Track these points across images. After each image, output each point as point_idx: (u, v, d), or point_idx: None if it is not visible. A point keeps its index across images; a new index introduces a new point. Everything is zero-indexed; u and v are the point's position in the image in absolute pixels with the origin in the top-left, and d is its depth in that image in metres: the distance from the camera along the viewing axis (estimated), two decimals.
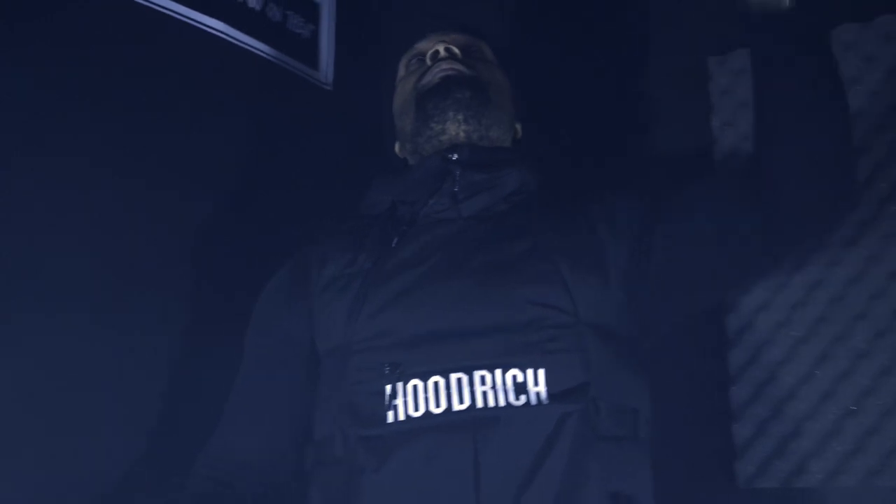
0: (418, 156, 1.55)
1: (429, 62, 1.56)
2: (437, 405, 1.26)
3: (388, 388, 1.29)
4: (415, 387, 1.28)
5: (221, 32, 1.81)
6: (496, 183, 1.47)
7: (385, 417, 1.28)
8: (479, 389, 1.26)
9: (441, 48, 1.55)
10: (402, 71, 1.65)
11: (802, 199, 1.30)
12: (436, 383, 1.27)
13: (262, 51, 1.89)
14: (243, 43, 1.86)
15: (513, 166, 1.49)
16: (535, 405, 1.25)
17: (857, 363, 1.68)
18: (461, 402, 1.25)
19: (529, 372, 1.27)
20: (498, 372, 1.27)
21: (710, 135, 1.90)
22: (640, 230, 1.42)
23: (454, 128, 1.49)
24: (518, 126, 1.63)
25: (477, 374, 1.27)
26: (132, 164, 1.61)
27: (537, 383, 1.26)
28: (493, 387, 1.26)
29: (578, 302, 1.32)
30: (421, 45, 1.63)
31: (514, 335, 1.30)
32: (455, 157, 1.47)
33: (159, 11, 1.71)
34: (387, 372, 1.30)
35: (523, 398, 1.25)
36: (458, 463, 1.23)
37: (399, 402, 1.27)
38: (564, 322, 1.31)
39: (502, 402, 1.25)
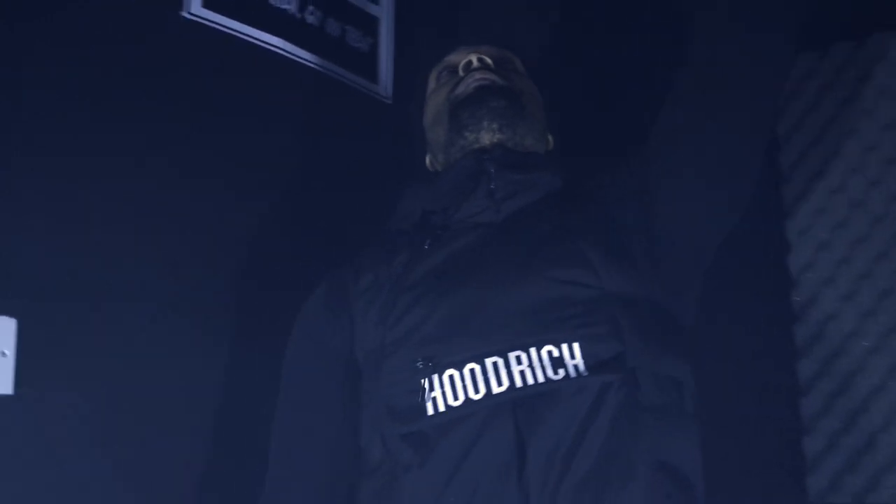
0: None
1: (461, 73, 1.55)
2: (476, 391, 1.25)
3: (425, 382, 1.28)
4: (451, 377, 1.27)
5: (281, 49, 1.83)
6: (531, 185, 1.46)
7: (424, 411, 1.27)
8: (516, 370, 1.25)
9: (474, 58, 1.55)
10: (432, 84, 1.65)
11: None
12: (472, 370, 1.26)
13: (321, 66, 1.90)
14: (303, 59, 1.87)
15: (545, 170, 1.49)
16: (575, 377, 1.24)
17: None
18: (500, 384, 1.25)
19: (564, 347, 1.26)
20: (532, 350, 1.26)
21: (775, 140, 1.87)
22: (639, 185, 1.44)
23: (488, 136, 1.49)
24: (550, 137, 1.62)
25: (512, 356, 1.26)
26: (196, 174, 1.65)
27: (573, 356, 1.26)
28: (531, 365, 1.25)
29: (603, 276, 1.32)
30: (452, 58, 1.63)
31: (544, 314, 1.30)
32: (488, 156, 1.47)
33: (221, 31, 1.73)
34: (420, 367, 1.29)
35: (562, 372, 1.25)
36: (500, 443, 1.22)
37: (437, 394, 1.27)
38: (592, 296, 1.31)
39: (541, 378, 1.24)
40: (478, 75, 1.52)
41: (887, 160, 1.74)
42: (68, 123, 1.48)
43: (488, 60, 1.56)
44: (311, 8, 1.92)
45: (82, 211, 1.47)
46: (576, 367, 1.25)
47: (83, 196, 1.47)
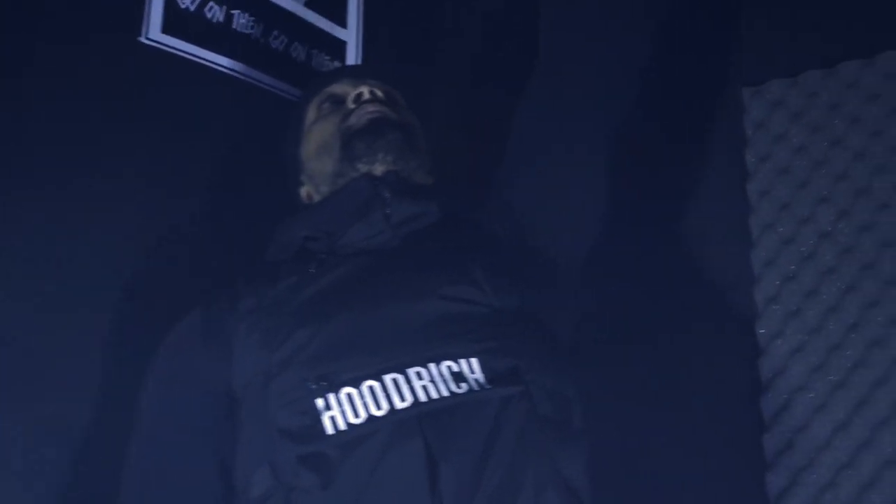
0: None
1: (351, 104, 1.54)
2: (379, 407, 1.22)
3: (320, 402, 1.24)
4: (349, 395, 1.23)
5: (242, 74, 1.81)
6: (422, 214, 1.47)
7: (323, 431, 1.22)
8: (418, 385, 1.23)
9: (365, 91, 1.55)
10: (312, 114, 1.62)
11: None
12: (370, 387, 1.23)
13: (285, 91, 1.89)
14: (266, 84, 1.85)
15: (434, 201, 1.49)
16: (478, 390, 1.23)
17: None
18: (403, 399, 1.22)
19: (463, 362, 1.26)
20: (432, 366, 1.25)
21: (743, 169, 1.83)
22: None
23: (381, 168, 1.49)
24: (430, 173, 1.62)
25: (412, 372, 1.24)
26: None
27: (473, 371, 1.25)
28: (433, 380, 1.24)
29: (489, 293, 1.34)
30: (335, 88, 1.62)
31: (439, 330, 1.29)
32: (381, 182, 1.46)
33: (181, 56, 1.72)
34: (314, 387, 1.25)
35: (464, 385, 1.23)
36: (410, 459, 1.19)
37: (335, 413, 1.22)
38: (483, 313, 1.32)
39: (445, 392, 1.22)
40: (370, 108, 1.52)
41: (856, 191, 1.70)
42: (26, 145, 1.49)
43: (379, 93, 1.56)
44: (275, 32, 1.90)
45: None
46: (476, 380, 1.25)
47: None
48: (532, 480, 1.21)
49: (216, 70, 1.78)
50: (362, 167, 1.49)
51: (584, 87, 1.88)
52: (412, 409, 1.22)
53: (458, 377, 1.25)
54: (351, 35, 2.07)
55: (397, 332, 1.30)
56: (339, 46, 2.03)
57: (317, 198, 1.59)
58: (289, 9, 1.93)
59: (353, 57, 2.06)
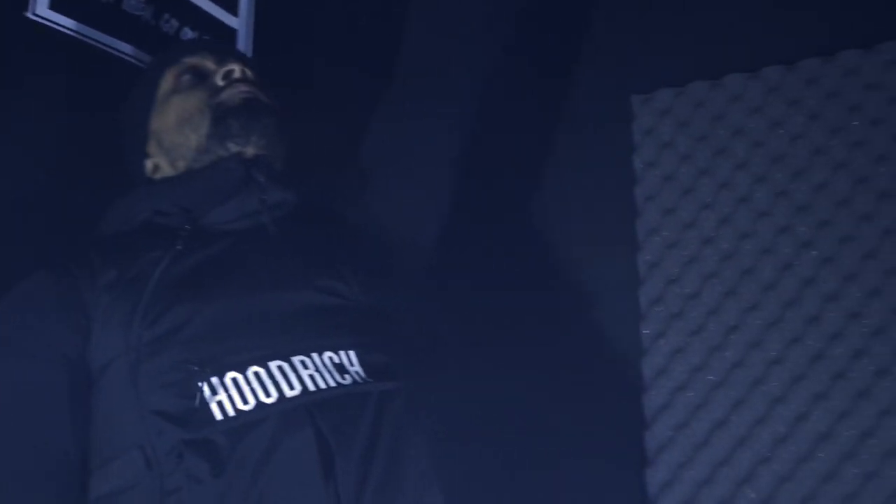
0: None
1: (220, 81, 1.50)
2: (268, 395, 1.20)
3: (204, 385, 1.20)
4: (234, 380, 1.20)
5: (132, 57, 1.76)
6: (290, 200, 1.47)
7: (211, 416, 1.18)
8: (304, 374, 1.23)
9: (237, 69, 1.51)
10: (169, 84, 1.54)
11: None
12: (256, 373, 1.21)
13: None
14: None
15: (296, 189, 1.49)
16: (362, 383, 1.25)
17: (772, 408, 1.67)
18: (292, 388, 1.21)
19: (343, 354, 1.27)
20: (315, 356, 1.25)
21: (631, 175, 1.88)
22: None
23: (252, 151, 1.46)
24: None
25: (296, 360, 1.24)
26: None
27: (352, 363, 1.27)
28: (318, 370, 1.24)
29: (354, 289, 1.37)
30: (195, 61, 1.55)
31: (318, 321, 1.30)
32: (254, 166, 1.44)
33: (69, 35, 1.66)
34: (196, 369, 1.20)
35: (348, 377, 1.25)
36: (304, 448, 1.18)
37: (222, 397, 1.19)
38: (354, 307, 1.35)
39: (332, 383, 1.23)
40: (243, 87, 1.48)
41: (738, 199, 1.77)
42: None
43: (250, 74, 1.53)
44: (166, 16, 1.85)
45: None
46: (357, 373, 1.26)
47: None
48: (412, 475, 1.24)
49: (103, 51, 1.73)
50: (233, 147, 1.45)
51: (453, 89, 1.90)
52: (302, 398, 1.21)
53: (341, 368, 1.25)
54: (242, 23, 2.03)
55: (277, 319, 1.29)
56: (229, 34, 1.99)
57: (169, 171, 1.52)
58: None
59: (242, 46, 2.02)
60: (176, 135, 1.51)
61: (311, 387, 1.22)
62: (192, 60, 1.55)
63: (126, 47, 1.75)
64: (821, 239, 1.69)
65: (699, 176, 1.82)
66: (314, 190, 1.56)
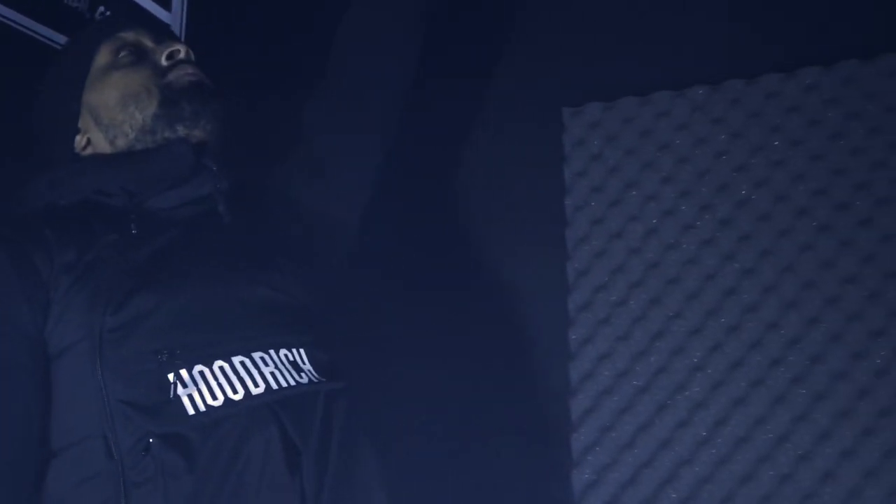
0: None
1: (164, 61, 1.49)
2: (235, 391, 1.21)
3: (171, 376, 1.20)
4: (202, 373, 1.21)
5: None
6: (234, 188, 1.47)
7: (185, 411, 1.18)
8: (266, 371, 1.25)
9: (182, 49, 1.51)
10: (105, 58, 1.52)
11: None
12: (221, 367, 1.23)
13: None
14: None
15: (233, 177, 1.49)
16: (316, 382, 1.28)
17: (694, 412, 1.73)
18: (256, 385, 1.23)
19: (295, 351, 1.30)
20: (272, 352, 1.27)
21: (561, 185, 1.93)
22: None
23: (200, 135, 1.46)
24: None
25: (256, 356, 1.26)
26: None
27: (304, 362, 1.30)
28: (277, 367, 1.26)
29: (295, 287, 1.39)
30: (132, 37, 1.54)
31: (270, 317, 1.32)
32: (205, 151, 1.45)
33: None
34: (163, 359, 1.21)
35: (304, 376, 1.27)
36: (271, 445, 1.19)
37: (192, 391, 1.19)
38: (297, 305, 1.37)
39: (292, 382, 1.26)
40: (189, 69, 1.49)
41: (664, 211, 1.84)
42: None
43: (193, 56, 1.53)
44: (101, 9, 1.83)
45: None
46: (310, 371, 1.29)
47: None
48: (361, 473, 1.28)
49: (38, 40, 1.70)
50: (181, 130, 1.45)
51: (381, 94, 1.91)
52: (265, 396, 1.22)
53: (296, 366, 1.28)
54: (175, 19, 2.02)
55: (235, 312, 1.30)
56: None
57: (105, 148, 1.50)
58: None
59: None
60: (118, 112, 1.48)
61: (274, 385, 1.24)
62: (128, 36, 1.54)
63: (61, 38, 1.72)
64: (742, 251, 1.77)
65: (627, 188, 1.88)
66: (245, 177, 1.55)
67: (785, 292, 1.72)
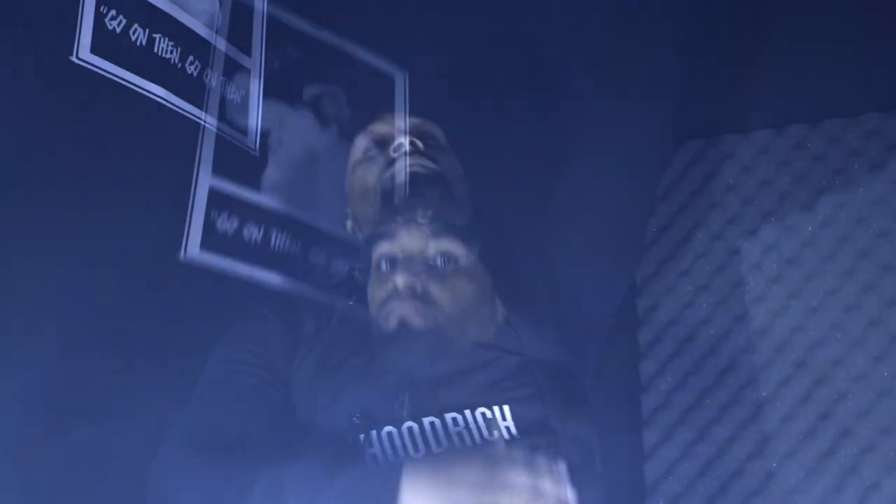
0: None
1: (392, 154, 1.57)
2: (417, 451, 1.29)
3: (361, 437, 1.30)
4: (389, 433, 1.30)
5: (163, 98, 1.80)
6: None
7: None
8: (453, 431, 1.31)
9: (406, 141, 1.56)
10: (358, 154, 1.64)
11: None
12: (409, 429, 1.31)
13: (198, 116, 1.88)
14: (182, 109, 1.84)
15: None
16: (509, 439, 1.32)
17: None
18: (439, 445, 1.30)
19: (496, 409, 1.34)
20: (468, 413, 1.33)
21: None
22: None
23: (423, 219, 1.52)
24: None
25: (448, 417, 1.32)
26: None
27: (505, 419, 1.34)
28: (467, 427, 1.31)
29: (524, 340, 1.43)
30: (379, 128, 1.63)
31: (473, 377, 1.37)
32: None
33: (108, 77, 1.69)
34: (356, 422, 1.31)
35: (496, 433, 1.32)
36: None
37: (376, 450, 1.29)
38: (515, 361, 1.40)
39: (479, 440, 1.31)
40: (411, 160, 1.54)
41: (730, 251, 1.90)
42: None
43: (419, 144, 1.56)
44: (191, 58, 1.89)
45: None
46: (508, 429, 1.33)
47: None
48: None
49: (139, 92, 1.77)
50: (399, 220, 1.50)
51: None
52: None
53: (491, 425, 1.32)
54: (254, 63, 2.08)
55: (436, 377, 1.37)
56: (244, 74, 2.03)
57: (359, 234, 1.60)
58: (203, 35, 1.92)
59: (255, 84, 2.06)
60: (359, 204, 1.59)
61: (458, 444, 1.30)
62: (376, 128, 1.63)
63: (156, 88, 1.79)
64: None
65: (695, 227, 1.96)
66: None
67: None
